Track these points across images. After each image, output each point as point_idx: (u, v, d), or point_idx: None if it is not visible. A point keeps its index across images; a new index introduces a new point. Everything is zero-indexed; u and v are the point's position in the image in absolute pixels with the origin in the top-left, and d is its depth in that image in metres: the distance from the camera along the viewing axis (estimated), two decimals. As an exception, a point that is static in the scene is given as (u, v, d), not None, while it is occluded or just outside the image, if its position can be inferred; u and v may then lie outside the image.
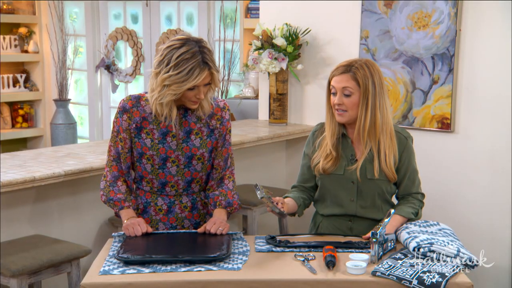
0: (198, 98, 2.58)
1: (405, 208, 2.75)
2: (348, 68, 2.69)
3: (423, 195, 2.86)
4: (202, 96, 2.58)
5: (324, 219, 2.85)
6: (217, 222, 2.62)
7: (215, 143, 2.73)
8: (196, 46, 2.52)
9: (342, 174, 2.75)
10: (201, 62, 2.51)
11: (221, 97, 5.70)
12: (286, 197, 2.81)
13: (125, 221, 2.64)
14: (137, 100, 2.66)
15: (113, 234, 2.64)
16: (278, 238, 2.64)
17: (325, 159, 2.75)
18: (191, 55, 2.50)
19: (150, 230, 2.62)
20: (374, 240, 2.38)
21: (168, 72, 2.50)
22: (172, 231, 2.71)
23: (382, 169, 2.73)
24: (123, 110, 2.65)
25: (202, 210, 2.81)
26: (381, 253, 2.44)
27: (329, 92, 2.77)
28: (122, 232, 2.61)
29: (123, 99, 2.68)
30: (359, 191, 2.76)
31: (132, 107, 2.65)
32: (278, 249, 2.54)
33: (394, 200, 2.87)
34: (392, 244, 2.54)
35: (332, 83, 2.73)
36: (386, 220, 2.52)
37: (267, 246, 2.58)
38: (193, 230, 2.69)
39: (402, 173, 2.79)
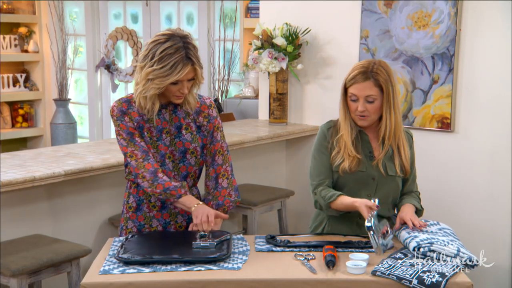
0: (182, 92, 2.60)
1: (413, 200, 2.82)
2: (368, 74, 2.67)
3: (419, 193, 2.93)
4: (185, 91, 2.60)
5: (332, 216, 2.82)
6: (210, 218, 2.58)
7: (205, 140, 2.75)
8: (181, 41, 2.55)
9: (364, 171, 2.76)
10: (185, 57, 2.54)
11: (222, 97, 5.70)
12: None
13: (193, 208, 2.60)
14: (128, 103, 2.67)
15: (115, 238, 2.65)
16: (278, 238, 2.64)
17: (348, 159, 2.74)
18: (175, 50, 2.53)
19: (217, 226, 2.65)
20: (371, 233, 2.38)
21: (152, 66, 2.54)
22: (172, 230, 2.72)
23: (402, 165, 2.77)
24: (121, 113, 2.65)
25: None
26: (383, 242, 2.43)
27: (345, 96, 2.74)
28: (123, 238, 2.62)
29: (114, 105, 2.66)
30: (377, 187, 2.77)
31: (128, 109, 2.66)
32: (278, 249, 2.54)
33: None
34: (391, 242, 2.54)
35: (352, 91, 2.69)
36: (374, 212, 2.51)
37: (267, 246, 2.58)
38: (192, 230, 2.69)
39: (409, 171, 2.83)
